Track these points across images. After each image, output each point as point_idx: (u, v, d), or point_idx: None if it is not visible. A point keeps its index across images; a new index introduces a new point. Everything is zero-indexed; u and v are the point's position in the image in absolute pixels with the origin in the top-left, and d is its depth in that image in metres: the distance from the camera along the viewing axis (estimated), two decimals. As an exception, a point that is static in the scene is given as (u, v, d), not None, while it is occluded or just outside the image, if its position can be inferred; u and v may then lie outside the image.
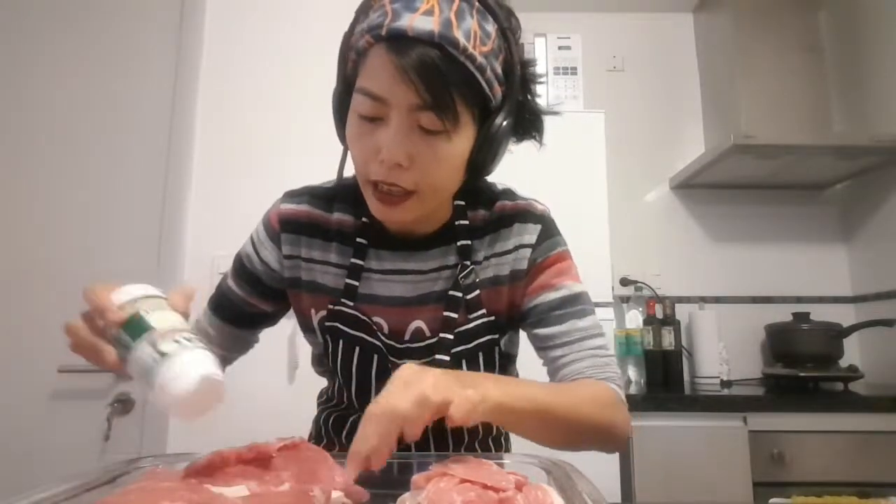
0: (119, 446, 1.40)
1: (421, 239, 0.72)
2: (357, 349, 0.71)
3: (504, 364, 0.76)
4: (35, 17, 1.63)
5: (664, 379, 1.98)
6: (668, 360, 1.99)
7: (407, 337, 0.72)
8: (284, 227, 0.74)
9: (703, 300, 2.19)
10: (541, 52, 2.01)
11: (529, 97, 0.68)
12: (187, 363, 0.44)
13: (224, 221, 1.52)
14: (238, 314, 0.78)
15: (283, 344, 1.42)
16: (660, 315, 2.06)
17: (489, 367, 0.73)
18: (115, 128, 1.57)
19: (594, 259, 1.74)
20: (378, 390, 0.68)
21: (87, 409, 1.41)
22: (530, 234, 0.73)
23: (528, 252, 0.72)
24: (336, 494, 0.45)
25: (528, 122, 0.70)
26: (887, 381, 1.99)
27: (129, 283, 0.50)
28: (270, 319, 0.81)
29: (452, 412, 0.49)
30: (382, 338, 0.71)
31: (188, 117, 1.56)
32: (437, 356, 0.70)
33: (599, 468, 1.59)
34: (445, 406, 0.48)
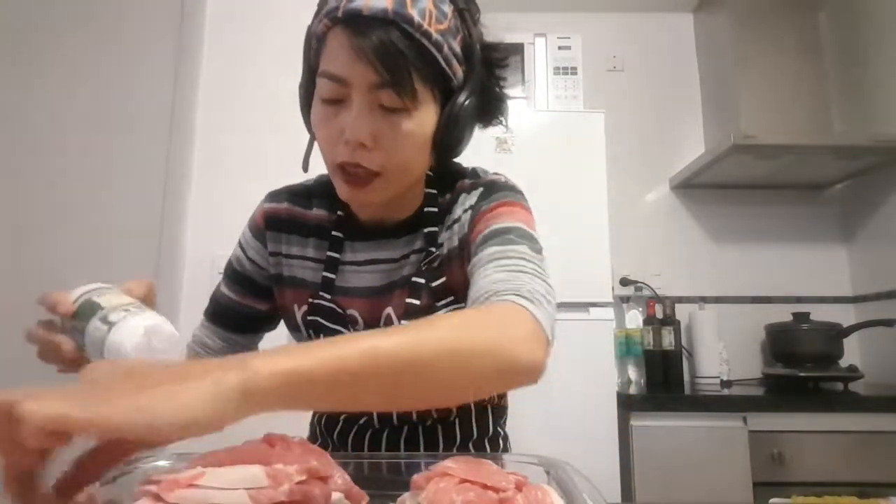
0: (119, 446, 1.40)
1: (391, 227, 0.72)
2: None
3: None
4: (35, 17, 1.63)
5: (664, 379, 1.98)
6: (668, 360, 1.99)
7: (380, 326, 0.72)
8: (268, 224, 0.77)
9: (703, 300, 2.19)
10: (541, 52, 2.01)
11: (493, 80, 0.69)
12: (133, 324, 0.46)
13: (224, 221, 1.51)
14: (235, 319, 0.79)
15: (283, 344, 1.42)
16: (660, 315, 2.06)
17: None
18: (115, 128, 1.57)
19: (594, 259, 1.74)
20: None
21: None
22: (472, 197, 0.70)
23: (468, 215, 0.69)
24: (336, 495, 0.45)
25: (492, 106, 0.70)
26: (887, 381, 1.99)
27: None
28: (268, 322, 0.81)
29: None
30: (357, 329, 0.72)
31: (188, 117, 1.56)
32: None
33: (599, 468, 1.59)
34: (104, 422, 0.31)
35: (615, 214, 1.92)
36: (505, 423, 0.84)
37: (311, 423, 0.85)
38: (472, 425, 0.77)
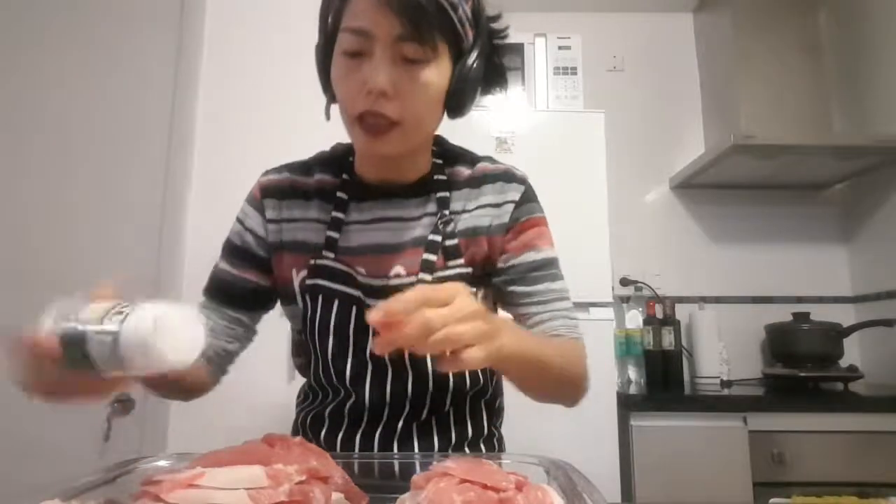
0: (119, 446, 1.40)
1: (399, 188, 0.76)
2: (336, 303, 0.72)
3: None
4: (35, 18, 1.63)
5: (664, 379, 1.97)
6: (668, 360, 1.99)
7: (388, 284, 0.73)
8: (266, 193, 0.79)
9: (703, 300, 2.19)
10: (541, 52, 2.01)
11: (495, 50, 0.74)
12: (135, 322, 0.43)
13: (224, 221, 1.51)
14: (234, 294, 0.79)
15: (283, 344, 1.42)
16: (660, 315, 2.06)
17: None
18: (115, 128, 1.57)
19: (594, 259, 1.74)
20: (356, 347, 0.71)
21: (87, 409, 1.42)
22: (514, 192, 0.77)
23: (511, 207, 0.76)
24: (336, 495, 0.45)
25: (495, 73, 0.75)
26: (887, 381, 1.99)
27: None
28: (266, 299, 0.81)
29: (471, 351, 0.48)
30: (361, 282, 0.72)
31: (188, 118, 1.56)
32: None
33: (599, 468, 1.59)
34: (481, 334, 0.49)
35: (615, 214, 1.92)
36: (501, 424, 0.85)
37: (294, 426, 0.83)
38: (467, 421, 0.77)
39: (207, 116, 1.58)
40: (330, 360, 0.73)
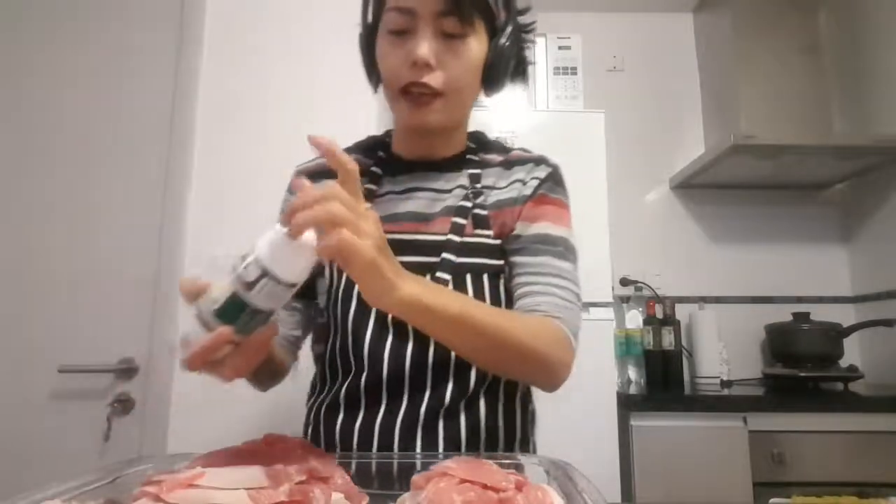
0: (119, 446, 1.40)
1: (434, 164, 0.79)
2: None
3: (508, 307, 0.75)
4: (35, 18, 1.63)
5: (664, 379, 1.98)
6: (668, 360, 1.99)
7: None
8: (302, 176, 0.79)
9: (703, 300, 2.19)
10: (541, 52, 2.01)
11: (522, 40, 0.78)
12: (263, 243, 0.46)
13: (224, 221, 1.52)
14: None
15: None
16: (660, 315, 2.06)
17: (494, 299, 0.74)
18: (115, 128, 1.57)
19: (594, 259, 1.74)
20: (378, 312, 0.72)
21: (87, 409, 1.41)
22: (543, 171, 0.79)
23: (536, 183, 0.77)
24: (336, 496, 0.45)
25: (520, 61, 0.78)
26: (887, 381, 1.99)
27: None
28: (320, 281, 0.80)
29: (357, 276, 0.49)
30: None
31: (188, 117, 1.55)
32: (439, 274, 0.71)
33: (599, 468, 1.59)
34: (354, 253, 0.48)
35: (615, 214, 1.92)
36: (534, 430, 0.83)
37: (307, 419, 0.80)
38: (498, 417, 0.74)
39: (207, 116, 1.57)
40: (350, 328, 0.72)
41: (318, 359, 0.82)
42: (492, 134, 0.90)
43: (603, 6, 2.43)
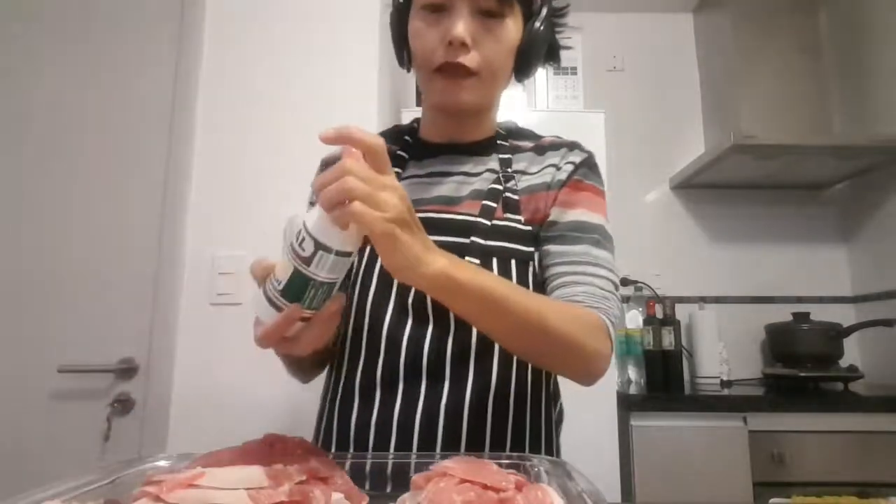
0: (119, 446, 1.40)
1: (463, 147, 0.78)
2: None
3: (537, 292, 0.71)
4: (35, 18, 1.63)
5: (664, 379, 1.97)
6: (668, 360, 1.99)
7: None
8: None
9: (703, 300, 2.19)
10: (541, 52, 2.00)
11: (554, 25, 0.77)
12: (310, 217, 0.47)
13: (224, 221, 1.52)
14: None
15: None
16: (660, 315, 2.06)
17: (522, 281, 0.70)
18: (115, 128, 1.57)
19: (594, 259, 1.73)
20: (399, 294, 0.70)
21: (87, 409, 1.41)
22: (577, 156, 0.77)
23: (570, 168, 0.75)
24: (336, 496, 0.44)
25: (554, 41, 0.78)
26: (887, 381, 1.99)
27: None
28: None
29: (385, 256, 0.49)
30: None
31: (188, 117, 1.55)
32: (468, 258, 0.68)
33: (599, 468, 1.59)
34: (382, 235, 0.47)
35: (615, 214, 1.92)
36: (560, 431, 0.80)
37: (320, 415, 0.77)
38: (526, 418, 0.71)
39: (207, 115, 1.57)
40: (369, 307, 0.71)
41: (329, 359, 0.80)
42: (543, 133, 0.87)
43: (603, 6, 2.43)
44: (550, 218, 0.73)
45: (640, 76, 2.43)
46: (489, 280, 0.56)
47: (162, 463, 0.53)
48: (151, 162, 1.54)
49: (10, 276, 1.49)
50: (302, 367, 0.77)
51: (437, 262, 0.51)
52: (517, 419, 0.70)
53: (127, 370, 1.43)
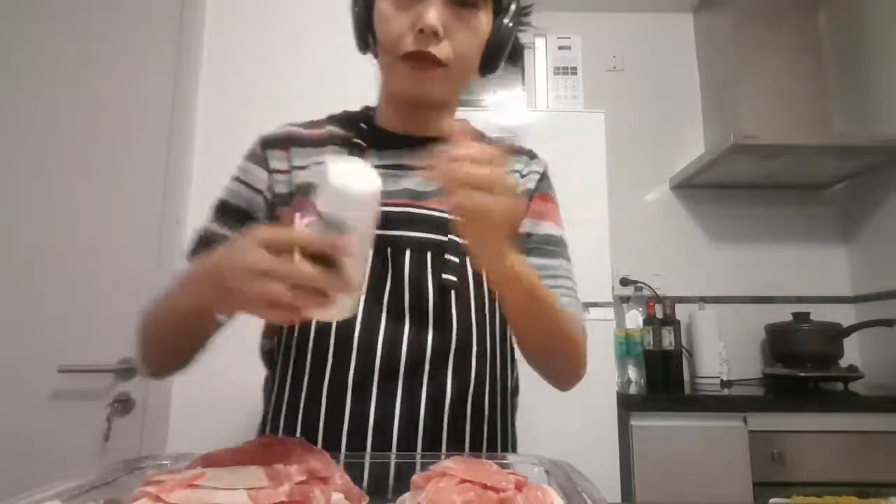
0: (119, 446, 1.40)
1: (424, 141, 0.73)
2: None
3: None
4: (35, 16, 1.63)
5: (664, 379, 1.98)
6: (668, 360, 1.99)
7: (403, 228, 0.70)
8: (268, 145, 0.77)
9: (703, 300, 2.19)
10: (541, 52, 2.00)
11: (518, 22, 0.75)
12: (333, 170, 0.48)
13: (224, 221, 1.51)
14: None
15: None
16: (660, 315, 2.06)
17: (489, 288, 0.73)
18: (115, 127, 1.57)
19: (594, 259, 1.73)
20: (371, 289, 0.67)
21: (87, 409, 1.41)
22: (539, 167, 0.81)
23: (536, 178, 0.79)
24: (336, 496, 0.44)
25: (517, 40, 0.75)
26: (887, 381, 1.99)
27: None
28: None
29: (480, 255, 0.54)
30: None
31: (188, 117, 1.56)
32: (448, 256, 0.69)
33: (599, 468, 1.59)
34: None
35: (615, 214, 1.92)
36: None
37: (266, 419, 0.74)
38: (484, 429, 0.70)
39: (207, 115, 1.57)
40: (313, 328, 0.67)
41: (269, 355, 0.75)
42: (491, 134, 0.88)
43: (603, 6, 2.43)
44: (525, 229, 0.76)
45: (639, 76, 2.43)
46: (543, 287, 0.63)
47: (162, 463, 0.53)
48: (151, 162, 1.54)
49: (10, 275, 1.49)
50: (202, 345, 0.73)
51: (514, 257, 0.57)
52: (491, 416, 0.71)
53: (127, 370, 1.44)
